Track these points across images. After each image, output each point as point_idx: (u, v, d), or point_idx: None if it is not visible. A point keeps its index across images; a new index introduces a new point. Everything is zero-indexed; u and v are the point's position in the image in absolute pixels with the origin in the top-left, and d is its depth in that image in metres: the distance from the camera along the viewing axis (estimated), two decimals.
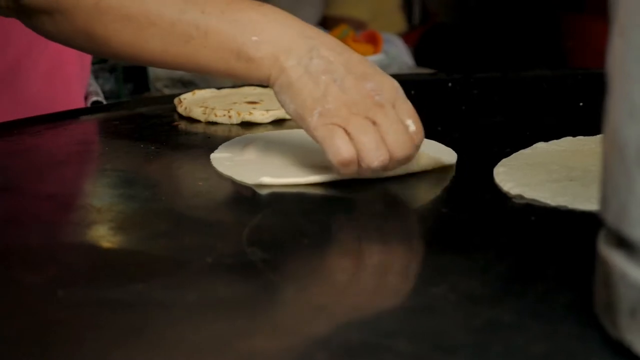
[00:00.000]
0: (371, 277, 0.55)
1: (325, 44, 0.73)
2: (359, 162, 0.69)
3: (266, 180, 0.74)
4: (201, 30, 0.74)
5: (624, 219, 0.42)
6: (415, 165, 0.75)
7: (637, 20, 0.40)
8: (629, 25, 0.40)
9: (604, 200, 0.45)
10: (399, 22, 3.20)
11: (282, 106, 0.74)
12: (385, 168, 0.71)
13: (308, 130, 0.71)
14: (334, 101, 0.70)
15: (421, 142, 0.72)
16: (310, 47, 0.72)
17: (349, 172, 0.71)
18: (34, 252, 0.62)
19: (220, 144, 0.86)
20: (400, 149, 0.70)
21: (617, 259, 0.44)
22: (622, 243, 0.43)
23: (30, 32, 0.84)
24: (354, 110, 0.70)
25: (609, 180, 0.44)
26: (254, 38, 0.73)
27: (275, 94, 0.74)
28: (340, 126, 0.70)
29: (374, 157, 0.69)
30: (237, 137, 0.88)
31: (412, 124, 0.71)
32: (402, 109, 0.71)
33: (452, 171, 0.77)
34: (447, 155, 0.79)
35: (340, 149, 0.69)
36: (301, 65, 0.71)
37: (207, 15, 0.74)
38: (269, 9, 0.75)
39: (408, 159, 0.71)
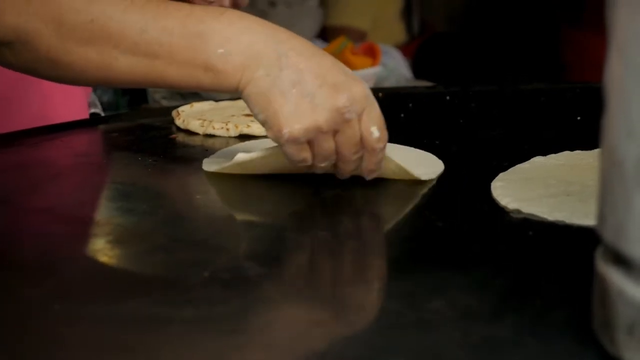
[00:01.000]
0: (368, 293, 0.55)
1: (295, 48, 0.72)
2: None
3: (241, 156, 0.76)
4: (165, 48, 0.73)
5: (621, 237, 0.42)
6: (381, 171, 0.76)
7: (634, 40, 0.40)
8: (626, 45, 0.40)
9: (602, 217, 0.45)
10: (400, 32, 3.21)
11: (251, 112, 0.74)
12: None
13: (276, 142, 0.73)
14: (304, 120, 0.70)
15: (382, 149, 0.73)
16: (279, 54, 0.72)
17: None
18: (31, 265, 0.61)
19: None
20: (348, 164, 0.73)
21: (614, 276, 0.44)
22: (620, 260, 0.43)
23: None
24: (324, 129, 0.71)
25: (607, 197, 0.44)
26: (220, 50, 0.72)
27: (244, 100, 0.74)
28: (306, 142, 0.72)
29: (321, 166, 0.73)
30: (230, 147, 0.89)
31: (376, 130, 0.73)
32: (370, 117, 0.72)
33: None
34: (431, 166, 0.81)
35: (302, 161, 0.73)
36: (270, 76, 0.71)
37: (168, 31, 0.73)
38: (233, 15, 0.74)
39: (355, 169, 0.75)
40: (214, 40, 0.72)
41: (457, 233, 0.67)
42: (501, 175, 0.78)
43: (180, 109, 1.03)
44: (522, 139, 0.92)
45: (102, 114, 1.21)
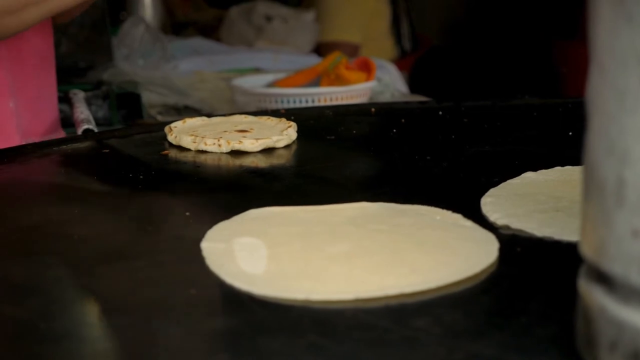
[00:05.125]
0: (354, 312, 0.55)
1: None
2: None
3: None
4: None
5: (602, 254, 0.42)
6: None
7: (614, 58, 0.40)
8: (606, 63, 0.41)
9: (583, 234, 0.45)
10: (390, 48, 3.22)
11: None
12: None
13: None
14: None
15: None
16: None
17: None
18: (16, 284, 0.61)
19: (209, 173, 0.85)
20: None
21: (596, 294, 0.44)
22: (601, 278, 0.43)
23: None
24: None
25: (588, 215, 0.44)
26: None
27: None
28: None
29: None
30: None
31: None
32: None
33: None
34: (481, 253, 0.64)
35: None
36: None
37: None
38: None
39: None
40: None
41: None
42: (491, 190, 0.78)
43: (173, 124, 1.03)
44: (514, 155, 0.92)
45: (96, 130, 1.21)
